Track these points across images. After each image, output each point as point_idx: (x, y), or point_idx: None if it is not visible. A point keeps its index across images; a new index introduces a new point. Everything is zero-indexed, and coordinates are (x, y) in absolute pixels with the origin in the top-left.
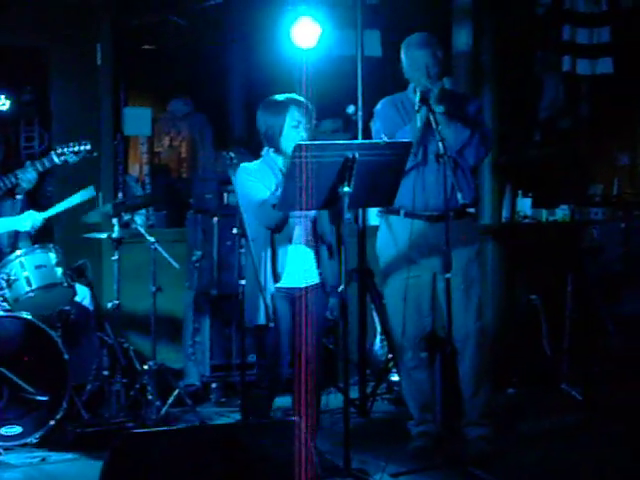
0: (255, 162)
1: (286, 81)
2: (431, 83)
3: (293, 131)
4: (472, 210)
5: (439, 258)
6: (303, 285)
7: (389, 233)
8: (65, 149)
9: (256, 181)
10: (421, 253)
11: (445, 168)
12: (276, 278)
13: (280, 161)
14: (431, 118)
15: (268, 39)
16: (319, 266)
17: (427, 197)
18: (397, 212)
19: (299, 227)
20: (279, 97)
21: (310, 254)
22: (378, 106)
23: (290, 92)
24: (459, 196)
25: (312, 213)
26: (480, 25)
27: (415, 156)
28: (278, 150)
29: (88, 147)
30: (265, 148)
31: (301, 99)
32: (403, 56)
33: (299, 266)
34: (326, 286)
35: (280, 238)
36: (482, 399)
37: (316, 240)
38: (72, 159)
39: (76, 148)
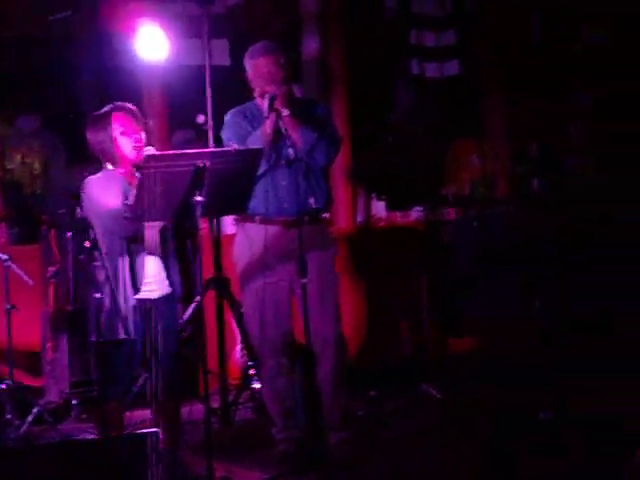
0: (98, 176)
1: (137, 93)
2: (276, 88)
3: (123, 137)
4: (326, 215)
5: (295, 263)
6: (156, 296)
7: (245, 240)
8: None
9: (104, 192)
10: (277, 259)
11: (297, 173)
12: (135, 290)
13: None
14: (280, 123)
15: (117, 52)
16: (168, 275)
17: (280, 202)
18: (252, 218)
19: (151, 238)
20: (100, 111)
21: (159, 264)
22: (227, 116)
23: (139, 103)
24: (311, 201)
25: (158, 223)
26: (329, 31)
27: (268, 161)
28: (114, 162)
29: None
30: (104, 165)
31: (123, 104)
32: (247, 65)
33: (154, 277)
34: (175, 295)
35: (135, 249)
36: (341, 403)
37: (163, 249)
38: None
39: None
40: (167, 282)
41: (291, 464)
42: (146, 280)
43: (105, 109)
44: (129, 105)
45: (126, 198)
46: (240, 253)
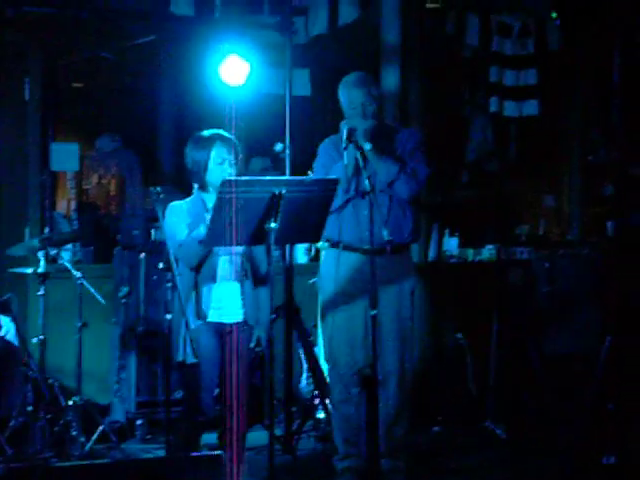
0: (185, 200)
1: (215, 119)
2: (363, 121)
3: (218, 168)
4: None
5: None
6: (231, 321)
7: (330, 266)
8: None
9: (179, 222)
10: (356, 287)
11: (378, 204)
12: (199, 314)
13: (206, 197)
14: (358, 155)
15: (198, 76)
16: (243, 301)
17: (361, 231)
18: (336, 245)
19: (227, 263)
20: (206, 132)
21: (238, 290)
22: (321, 145)
23: (218, 129)
24: (384, 233)
25: (240, 248)
26: (408, 66)
27: (346, 192)
28: (203, 186)
29: None
30: (194, 185)
31: (227, 135)
32: (341, 95)
33: (227, 302)
34: (248, 320)
35: (204, 275)
36: (399, 432)
37: (244, 275)
38: None
39: None
40: (242, 309)
41: None
42: (217, 305)
43: (210, 133)
44: (232, 138)
45: (194, 227)
46: (325, 278)
